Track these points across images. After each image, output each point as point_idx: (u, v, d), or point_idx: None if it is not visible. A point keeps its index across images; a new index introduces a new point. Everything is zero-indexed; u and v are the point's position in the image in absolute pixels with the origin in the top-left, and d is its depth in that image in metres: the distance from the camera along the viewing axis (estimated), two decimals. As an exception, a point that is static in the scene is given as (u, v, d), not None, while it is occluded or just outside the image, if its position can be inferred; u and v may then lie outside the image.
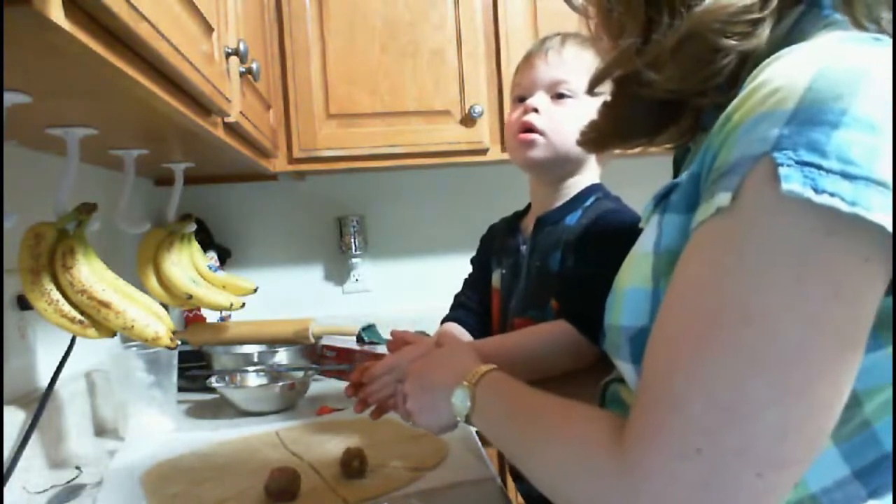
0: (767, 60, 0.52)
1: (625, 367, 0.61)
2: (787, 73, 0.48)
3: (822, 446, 0.48)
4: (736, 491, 0.46)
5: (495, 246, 1.20)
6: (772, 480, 0.46)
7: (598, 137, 0.74)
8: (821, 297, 0.45)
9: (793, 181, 0.44)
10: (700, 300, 0.48)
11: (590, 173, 1.10)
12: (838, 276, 0.45)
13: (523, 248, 1.11)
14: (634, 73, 0.59)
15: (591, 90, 0.67)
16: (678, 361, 0.48)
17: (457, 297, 1.24)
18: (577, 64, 1.06)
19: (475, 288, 1.22)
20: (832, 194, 0.43)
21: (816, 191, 0.43)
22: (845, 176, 0.43)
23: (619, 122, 0.70)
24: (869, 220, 0.43)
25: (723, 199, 0.47)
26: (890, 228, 0.43)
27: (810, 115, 0.45)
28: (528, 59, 1.10)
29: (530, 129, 1.05)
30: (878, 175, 0.44)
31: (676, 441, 0.47)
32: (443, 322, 1.19)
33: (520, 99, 1.09)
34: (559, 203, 1.09)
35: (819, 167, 0.44)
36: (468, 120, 1.68)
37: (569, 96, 1.06)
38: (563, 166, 1.08)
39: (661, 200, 0.58)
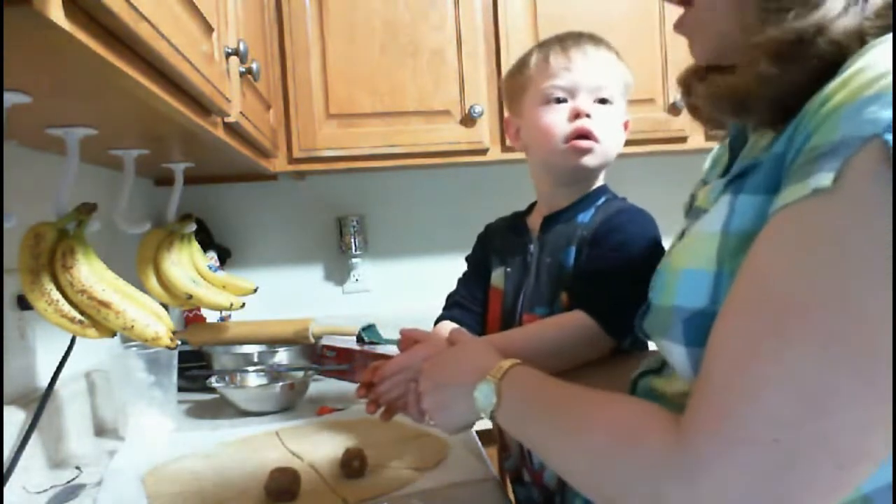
0: (865, 48, 0.50)
1: (673, 349, 0.59)
2: (891, 58, 0.47)
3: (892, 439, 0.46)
4: (812, 482, 0.45)
5: (496, 244, 1.19)
6: (850, 474, 0.45)
7: (738, 105, 0.59)
8: None
9: None
10: (789, 284, 0.46)
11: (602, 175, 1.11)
12: None
13: (531, 245, 1.11)
14: (813, 42, 0.53)
15: (791, 57, 0.54)
16: (757, 347, 0.47)
17: (450, 296, 1.22)
18: (611, 67, 1.05)
19: (471, 287, 1.21)
20: None
21: None
22: None
23: (775, 95, 0.58)
24: None
25: (823, 179, 0.45)
26: None
27: None
28: (563, 56, 1.04)
29: (587, 135, 1.02)
30: None
31: (749, 429, 0.46)
32: (437, 321, 1.18)
33: (557, 100, 1.04)
34: (569, 202, 1.09)
35: None
36: (468, 120, 1.68)
37: (609, 102, 1.04)
38: (603, 168, 1.08)
39: (734, 181, 0.56)
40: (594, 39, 1.07)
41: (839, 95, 0.48)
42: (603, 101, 1.04)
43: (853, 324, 0.44)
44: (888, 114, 0.44)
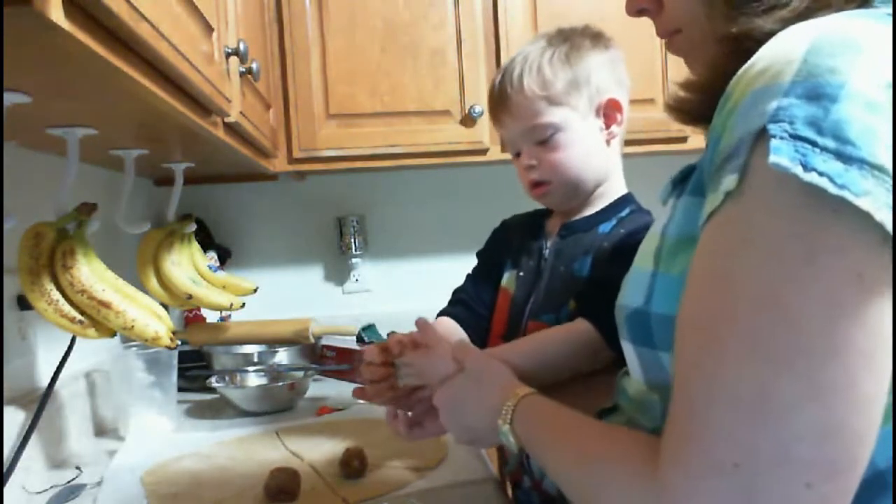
0: (770, 41, 0.49)
1: (625, 348, 0.59)
2: (780, 46, 0.46)
3: (871, 446, 0.43)
4: None
5: (512, 244, 1.17)
6: (824, 491, 0.41)
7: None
8: (838, 278, 0.41)
9: (782, 154, 0.42)
10: (713, 293, 0.45)
11: (618, 179, 1.09)
12: (852, 256, 0.41)
13: (546, 251, 1.10)
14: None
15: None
16: (696, 364, 0.45)
17: (456, 291, 1.20)
18: (536, 101, 1.02)
19: (479, 285, 1.19)
20: (821, 174, 0.41)
21: (805, 168, 0.41)
22: (839, 156, 0.41)
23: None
24: (854, 204, 0.40)
25: (729, 182, 0.45)
26: (878, 217, 0.40)
27: (808, 89, 0.43)
28: (493, 117, 1.09)
29: (537, 184, 1.06)
30: (875, 158, 0.41)
31: (708, 456, 0.43)
32: (438, 315, 1.17)
33: (515, 153, 1.09)
34: (591, 211, 1.07)
35: (814, 144, 0.41)
36: (468, 120, 1.68)
37: (552, 134, 1.02)
38: (585, 190, 1.07)
39: (680, 183, 0.56)
40: (521, 72, 1.03)
41: (735, 93, 0.47)
42: (542, 141, 1.03)
43: (775, 321, 0.42)
44: (774, 104, 0.43)
